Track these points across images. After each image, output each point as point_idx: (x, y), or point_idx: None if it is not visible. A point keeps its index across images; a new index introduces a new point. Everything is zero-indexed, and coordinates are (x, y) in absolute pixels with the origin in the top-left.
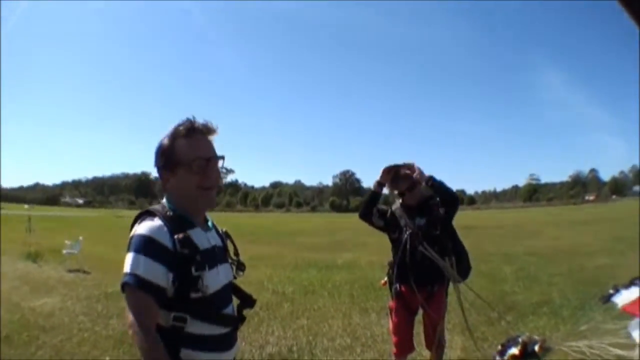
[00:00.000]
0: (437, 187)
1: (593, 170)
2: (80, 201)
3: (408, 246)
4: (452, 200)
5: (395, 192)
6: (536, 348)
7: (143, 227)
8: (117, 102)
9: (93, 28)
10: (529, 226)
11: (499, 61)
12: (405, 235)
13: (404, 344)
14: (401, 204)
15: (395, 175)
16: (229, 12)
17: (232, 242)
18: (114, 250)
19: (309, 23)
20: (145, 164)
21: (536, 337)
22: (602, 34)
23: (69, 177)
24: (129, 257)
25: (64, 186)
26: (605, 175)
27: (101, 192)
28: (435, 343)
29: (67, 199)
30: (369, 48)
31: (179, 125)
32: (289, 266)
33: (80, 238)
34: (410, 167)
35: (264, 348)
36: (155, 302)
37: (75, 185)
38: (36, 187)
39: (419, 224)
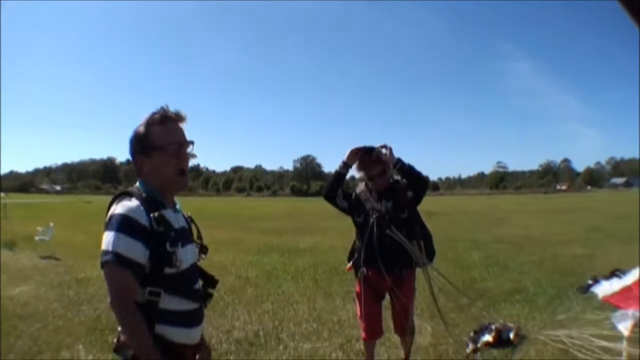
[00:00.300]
0: (405, 170)
1: (566, 160)
2: (58, 188)
3: (375, 230)
4: (420, 183)
5: (362, 174)
6: (511, 336)
7: (121, 207)
8: (86, 90)
9: (64, 17)
10: (496, 213)
11: (467, 49)
12: (372, 219)
13: (373, 330)
14: (367, 187)
15: (367, 158)
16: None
17: (196, 226)
18: (83, 236)
19: (274, 9)
20: (111, 150)
21: (511, 325)
22: (575, 24)
23: (41, 164)
24: (109, 236)
25: (36, 173)
26: (579, 166)
27: (70, 178)
28: (408, 328)
29: (45, 186)
30: (335, 35)
31: (154, 113)
32: (251, 250)
33: (51, 224)
34: (384, 147)
35: (230, 333)
36: (134, 278)
37: (47, 172)
38: (11, 174)
39: (385, 208)
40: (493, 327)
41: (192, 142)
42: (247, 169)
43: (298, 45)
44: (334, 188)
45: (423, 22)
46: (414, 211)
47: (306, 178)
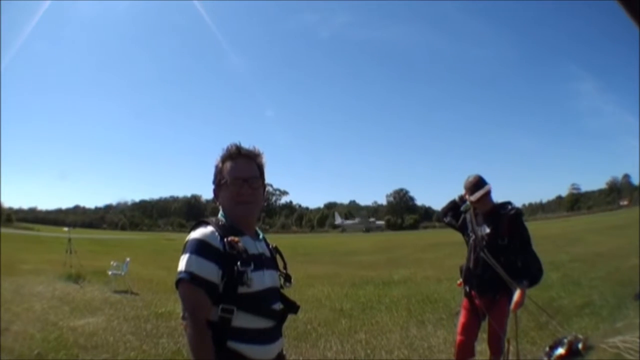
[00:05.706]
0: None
1: (626, 176)
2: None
3: (472, 252)
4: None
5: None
6: (580, 346)
7: (197, 233)
8: (159, 127)
9: (133, 47)
10: (571, 234)
11: (534, 73)
12: (470, 242)
13: (466, 348)
14: (473, 211)
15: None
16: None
17: (282, 256)
18: (165, 272)
19: (353, 42)
20: (194, 187)
21: (580, 337)
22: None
23: (113, 199)
24: (184, 258)
25: (107, 209)
26: (637, 179)
27: (149, 215)
28: (499, 348)
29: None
30: (412, 67)
31: (229, 148)
32: (346, 284)
33: (127, 259)
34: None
35: None
36: (207, 296)
37: (121, 209)
38: (76, 209)
39: (483, 232)
40: (565, 340)
41: (256, 178)
42: (341, 205)
43: (385, 81)
44: (446, 212)
45: (489, 47)
46: (518, 241)
47: (400, 212)
